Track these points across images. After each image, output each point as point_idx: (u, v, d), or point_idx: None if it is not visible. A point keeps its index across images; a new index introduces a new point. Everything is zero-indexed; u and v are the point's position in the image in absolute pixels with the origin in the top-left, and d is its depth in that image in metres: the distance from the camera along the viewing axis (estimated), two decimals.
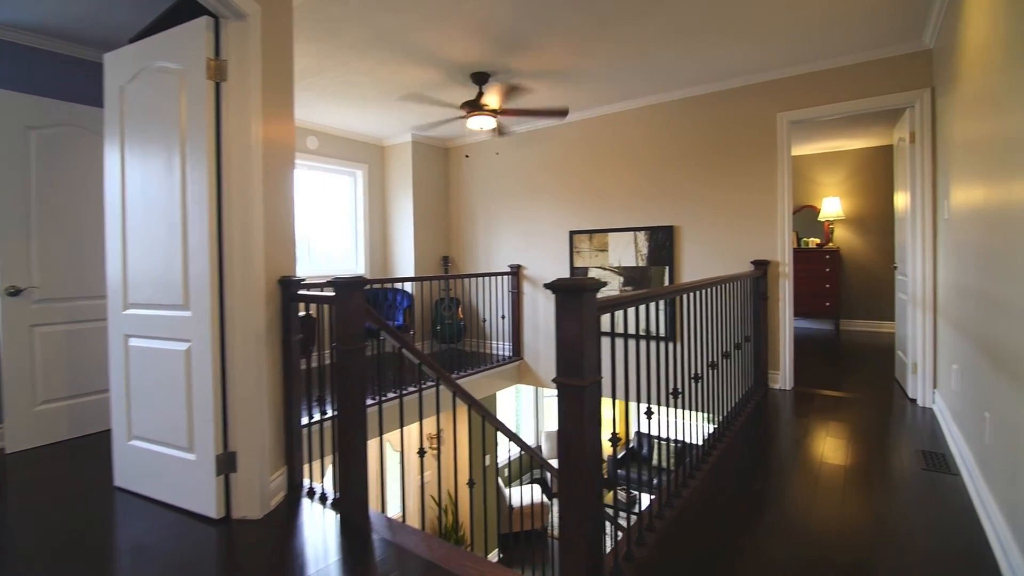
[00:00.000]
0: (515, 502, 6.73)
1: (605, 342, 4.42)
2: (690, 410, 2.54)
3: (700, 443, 2.80)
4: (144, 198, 2.36)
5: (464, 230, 6.15)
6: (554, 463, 8.09)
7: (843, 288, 6.72)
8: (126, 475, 2.46)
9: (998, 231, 1.93)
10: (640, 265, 4.70)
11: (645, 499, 6.58)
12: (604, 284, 1.49)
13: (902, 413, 3.46)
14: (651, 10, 3.05)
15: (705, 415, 2.89)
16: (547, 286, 1.48)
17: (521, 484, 7.69)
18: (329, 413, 2.65)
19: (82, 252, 3.25)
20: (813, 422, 3.33)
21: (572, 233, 5.15)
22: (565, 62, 3.82)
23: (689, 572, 1.82)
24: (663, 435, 6.68)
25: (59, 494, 2.44)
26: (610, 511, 5.36)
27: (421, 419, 2.82)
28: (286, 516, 2.22)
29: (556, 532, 7.09)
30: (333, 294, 2.17)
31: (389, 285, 5.54)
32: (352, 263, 5.99)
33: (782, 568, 1.80)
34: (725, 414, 3.19)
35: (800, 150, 6.78)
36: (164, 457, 2.31)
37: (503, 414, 7.64)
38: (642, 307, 4.51)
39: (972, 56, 2.36)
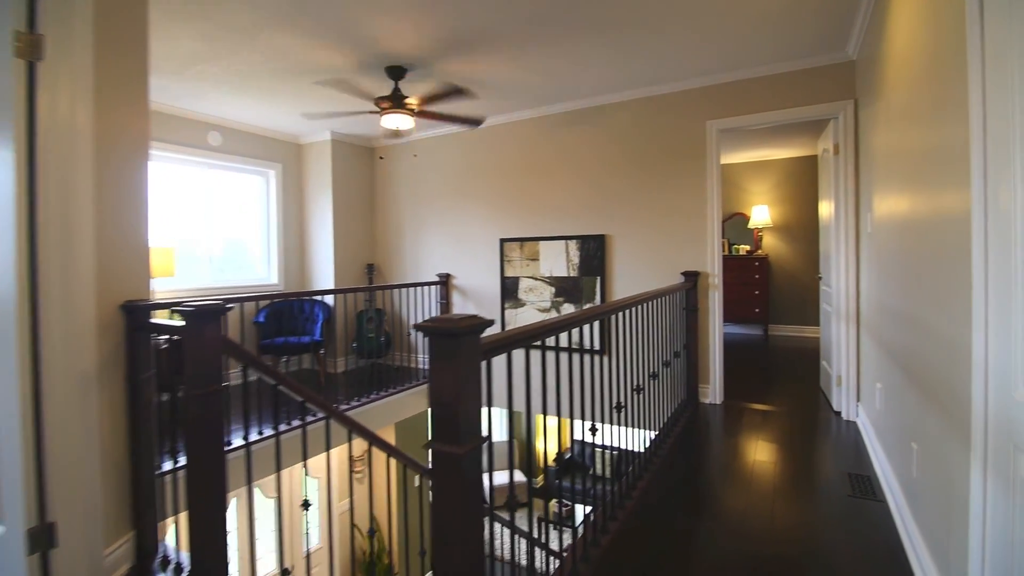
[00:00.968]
0: None
1: (536, 358, 4.23)
2: (624, 426, 2.41)
3: (630, 466, 2.59)
4: None
5: (391, 236, 5.76)
6: (497, 474, 7.82)
7: (771, 294, 6.85)
8: None
9: (923, 247, 1.82)
10: (572, 275, 4.50)
11: (581, 511, 6.42)
12: (489, 323, 1.21)
13: (827, 428, 3.42)
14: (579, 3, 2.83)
15: (639, 431, 2.72)
16: (417, 327, 1.18)
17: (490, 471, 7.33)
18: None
19: None
20: (742, 443, 3.22)
21: (503, 241, 4.89)
22: (494, 61, 3.54)
23: None
24: (602, 443, 6.57)
25: None
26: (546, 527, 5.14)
27: (328, 448, 2.43)
28: None
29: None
30: (183, 324, 1.77)
31: (306, 296, 5.07)
32: (264, 272, 5.46)
33: None
34: (656, 433, 3.02)
35: (730, 158, 6.86)
36: None
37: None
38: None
39: (895, 69, 2.27)
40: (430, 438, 1.17)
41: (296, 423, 3.31)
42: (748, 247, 6.95)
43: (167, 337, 2.18)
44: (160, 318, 2.07)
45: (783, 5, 2.86)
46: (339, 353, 5.36)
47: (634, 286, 4.25)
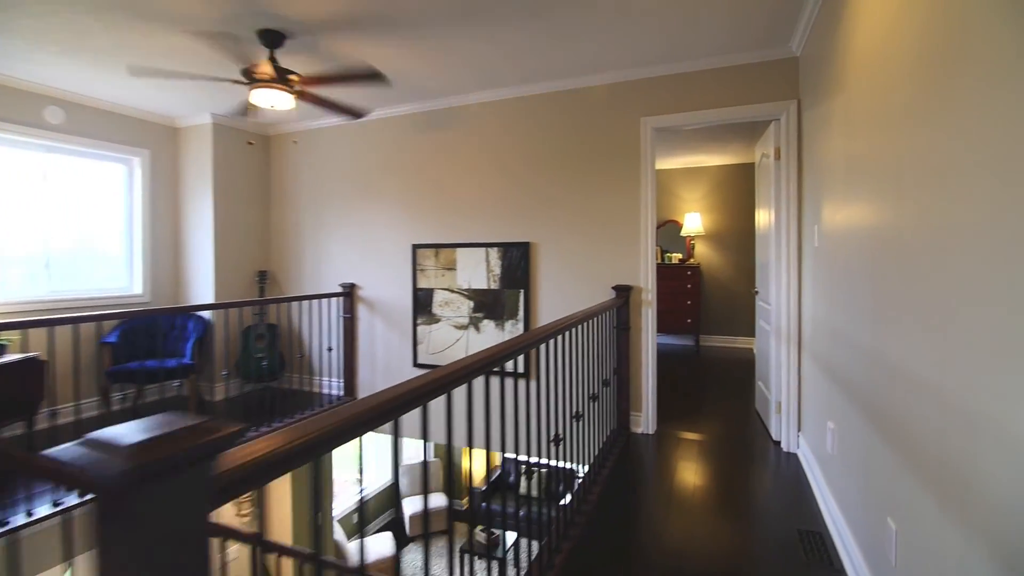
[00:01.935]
0: (368, 555, 5.67)
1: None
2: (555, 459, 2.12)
3: (550, 532, 2.07)
4: None
5: (288, 239, 4.97)
6: (415, 499, 7.13)
7: (703, 304, 6.66)
8: None
9: (906, 271, 1.42)
10: (492, 288, 3.96)
11: (510, 536, 5.90)
12: (235, 432, 0.62)
13: (768, 464, 3.08)
14: None
15: (569, 463, 2.25)
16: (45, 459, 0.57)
17: (362, 536, 6.59)
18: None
19: None
20: (677, 488, 2.80)
21: (416, 247, 4.27)
22: (399, 43, 2.93)
23: None
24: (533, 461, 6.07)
25: None
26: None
27: None
28: None
29: None
30: None
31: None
32: (124, 281, 4.51)
33: None
34: (584, 473, 2.53)
35: (664, 163, 6.61)
36: None
37: (342, 461, 6.47)
38: (496, 329, 3.84)
39: (860, 67, 1.90)
40: None
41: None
42: (680, 255, 6.73)
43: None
44: None
45: None
46: (215, 378, 4.51)
47: (562, 300, 3.77)
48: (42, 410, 3.35)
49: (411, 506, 6.99)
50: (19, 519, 2.42)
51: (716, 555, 2.16)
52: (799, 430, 3.14)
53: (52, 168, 4.05)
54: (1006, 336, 0.93)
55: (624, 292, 3.48)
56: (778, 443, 3.30)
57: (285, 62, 3.10)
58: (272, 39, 2.92)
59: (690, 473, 2.94)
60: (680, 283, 6.35)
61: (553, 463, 2.17)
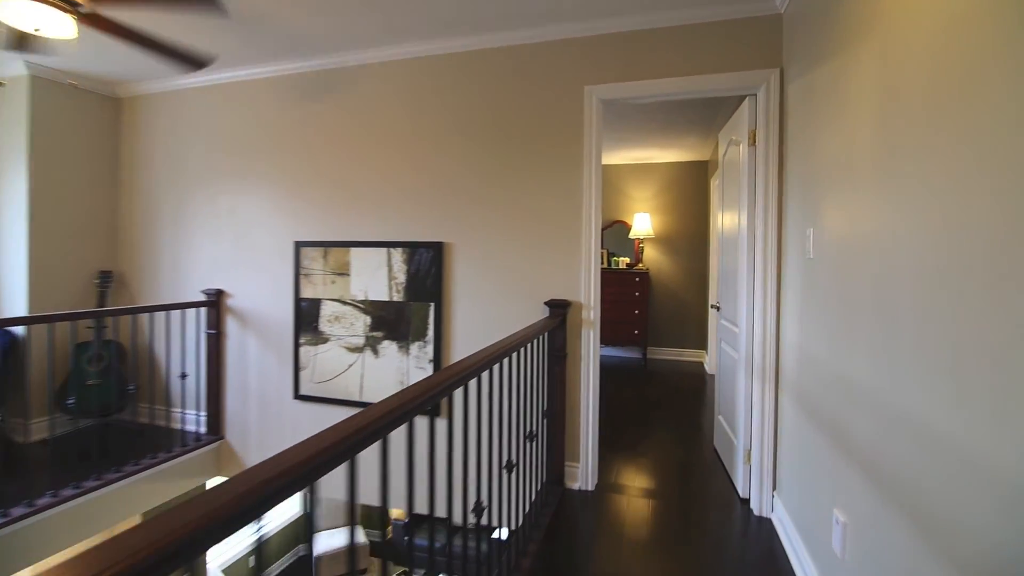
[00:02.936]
0: None
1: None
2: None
3: None
4: None
5: (140, 231, 3.89)
6: (330, 535, 6.12)
7: (652, 313, 6.06)
8: None
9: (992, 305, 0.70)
10: (395, 300, 3.09)
11: None
12: None
13: (733, 529, 2.40)
14: None
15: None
16: None
17: None
18: None
19: None
20: (625, 569, 2.06)
21: (299, 245, 3.33)
22: None
23: None
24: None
25: None
26: None
27: None
28: None
29: None
30: None
31: None
32: None
33: None
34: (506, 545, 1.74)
35: (612, 158, 5.94)
36: None
37: None
38: (400, 352, 2.95)
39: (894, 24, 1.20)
40: None
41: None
42: (628, 260, 6.09)
43: None
44: None
45: None
46: (25, 413, 3.40)
47: (482, 318, 2.96)
48: None
49: (324, 543, 5.97)
50: None
51: None
52: (774, 489, 2.49)
53: None
54: None
55: (560, 309, 2.72)
56: (746, 502, 2.63)
57: None
58: None
59: (639, 553, 2.21)
60: (627, 290, 5.71)
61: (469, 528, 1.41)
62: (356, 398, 3.15)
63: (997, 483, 0.89)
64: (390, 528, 6.42)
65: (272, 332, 3.43)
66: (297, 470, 0.79)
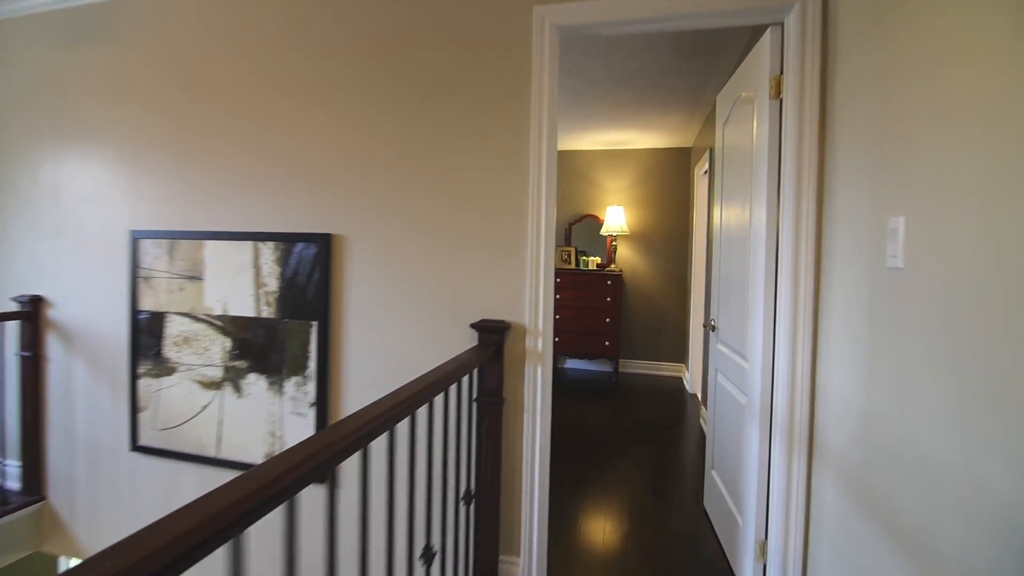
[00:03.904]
0: None
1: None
2: None
3: None
4: None
5: None
6: None
7: (625, 321, 5.29)
8: None
9: None
10: (264, 316, 2.17)
11: None
12: None
13: None
14: None
15: None
16: None
17: None
18: None
19: None
20: None
21: (137, 238, 2.38)
22: None
23: None
24: None
25: None
26: None
27: None
28: None
29: None
30: None
31: None
32: None
33: None
34: None
35: (581, 142, 5.11)
36: None
37: None
38: (271, 391, 2.06)
39: None
40: None
41: None
42: (600, 259, 5.28)
43: None
44: None
45: None
46: None
47: (386, 344, 2.08)
48: None
49: None
50: None
51: None
52: None
53: None
54: None
55: (494, 335, 1.85)
56: None
57: None
58: None
59: None
60: (598, 295, 4.90)
61: None
62: (212, 453, 2.23)
63: None
64: None
65: (105, 356, 2.47)
66: None
